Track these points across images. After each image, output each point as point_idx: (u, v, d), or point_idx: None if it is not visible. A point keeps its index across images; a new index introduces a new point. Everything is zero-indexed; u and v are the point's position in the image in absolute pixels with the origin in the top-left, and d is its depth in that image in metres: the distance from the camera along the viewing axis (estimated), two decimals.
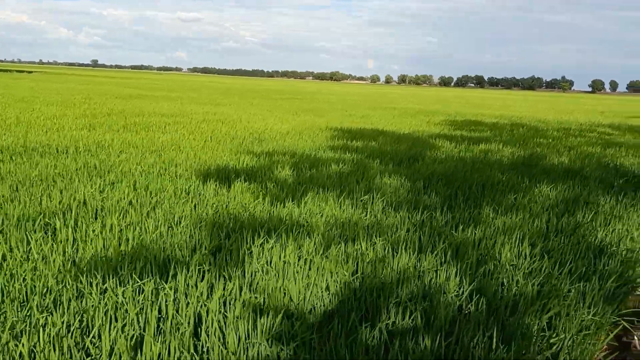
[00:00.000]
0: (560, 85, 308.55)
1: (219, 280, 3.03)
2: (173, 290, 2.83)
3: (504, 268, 3.56)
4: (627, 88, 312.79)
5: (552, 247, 4.07)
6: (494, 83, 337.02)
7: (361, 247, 3.74)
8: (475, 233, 4.21)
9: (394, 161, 7.74)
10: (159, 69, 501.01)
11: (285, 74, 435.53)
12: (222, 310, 2.73)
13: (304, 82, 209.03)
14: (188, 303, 2.71)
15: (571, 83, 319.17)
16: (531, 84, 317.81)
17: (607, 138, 13.98)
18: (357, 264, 3.45)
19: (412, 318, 2.82)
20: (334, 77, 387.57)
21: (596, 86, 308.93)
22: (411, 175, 6.54)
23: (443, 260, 3.62)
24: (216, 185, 5.38)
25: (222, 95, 30.30)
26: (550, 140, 12.23)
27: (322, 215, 4.47)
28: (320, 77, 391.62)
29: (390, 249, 3.74)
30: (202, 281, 2.96)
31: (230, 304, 2.82)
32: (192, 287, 2.88)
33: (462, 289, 3.23)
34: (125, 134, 9.11)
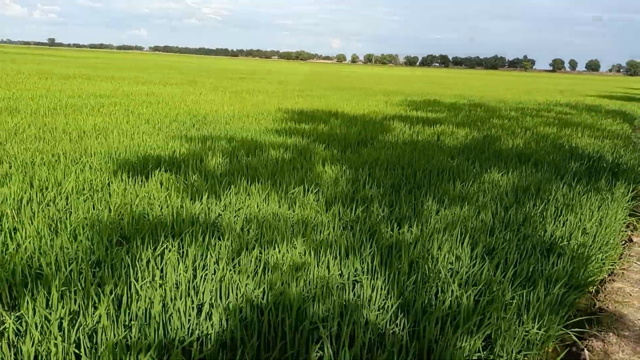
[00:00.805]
0: (523, 64, 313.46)
1: (87, 304, 2.45)
2: (19, 322, 2.25)
3: (439, 274, 3.09)
4: (585, 67, 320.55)
5: (496, 245, 3.64)
6: (458, 62, 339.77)
7: (279, 252, 3.21)
8: (412, 231, 3.73)
9: (341, 146, 7.22)
10: (120, 47, 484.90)
11: (250, 53, 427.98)
12: (85, 348, 2.17)
13: (268, 61, 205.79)
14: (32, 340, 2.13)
15: (533, 62, 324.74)
16: (494, 63, 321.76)
17: (565, 118, 13.82)
18: (271, 275, 2.92)
19: (320, 346, 2.32)
20: (299, 56, 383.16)
21: (557, 65, 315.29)
22: (355, 161, 6.03)
23: (371, 266, 3.13)
24: (129, 177, 4.74)
25: (175, 74, 29.09)
26: (507, 121, 11.93)
27: (241, 213, 3.91)
28: (286, 56, 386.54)
29: (313, 253, 3.22)
30: (64, 307, 2.38)
31: (94, 337, 2.25)
32: (43, 317, 2.29)
33: (389, 303, 2.74)
34: (48, 118, 8.27)
